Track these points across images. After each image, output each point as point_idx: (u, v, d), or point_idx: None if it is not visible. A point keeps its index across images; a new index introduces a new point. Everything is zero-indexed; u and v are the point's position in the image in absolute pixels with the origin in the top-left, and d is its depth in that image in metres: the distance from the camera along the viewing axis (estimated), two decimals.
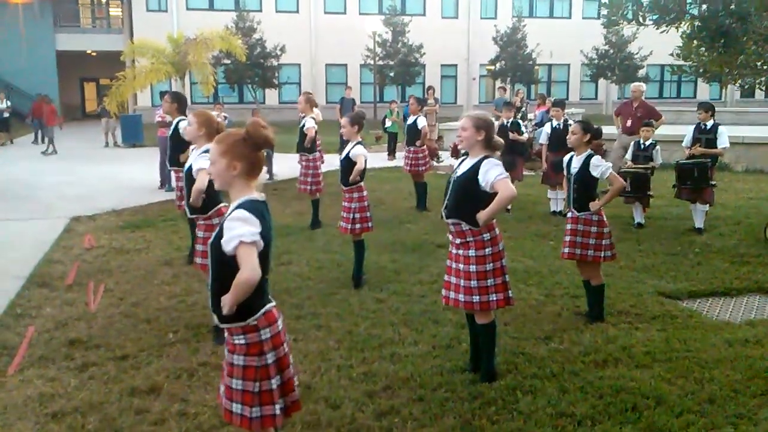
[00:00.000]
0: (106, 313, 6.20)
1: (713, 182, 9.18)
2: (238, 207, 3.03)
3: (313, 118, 10.06)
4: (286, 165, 14.51)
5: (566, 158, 6.14)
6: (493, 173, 4.43)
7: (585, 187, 5.87)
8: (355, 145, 6.87)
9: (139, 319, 6.05)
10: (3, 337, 5.63)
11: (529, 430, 4.06)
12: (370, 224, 6.95)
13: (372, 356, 5.13)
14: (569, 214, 6.01)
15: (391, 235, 8.90)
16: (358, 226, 6.86)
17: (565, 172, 6.14)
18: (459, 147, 4.68)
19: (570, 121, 10.92)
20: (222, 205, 5.35)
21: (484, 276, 4.52)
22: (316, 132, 10.04)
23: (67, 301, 6.55)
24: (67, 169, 16.78)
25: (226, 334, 3.18)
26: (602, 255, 5.81)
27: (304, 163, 10.06)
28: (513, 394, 4.51)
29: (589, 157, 5.85)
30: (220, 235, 3.02)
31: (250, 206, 3.03)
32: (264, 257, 3.05)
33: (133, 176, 15.30)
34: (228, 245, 2.95)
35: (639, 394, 4.46)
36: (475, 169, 4.50)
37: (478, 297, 4.52)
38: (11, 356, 5.22)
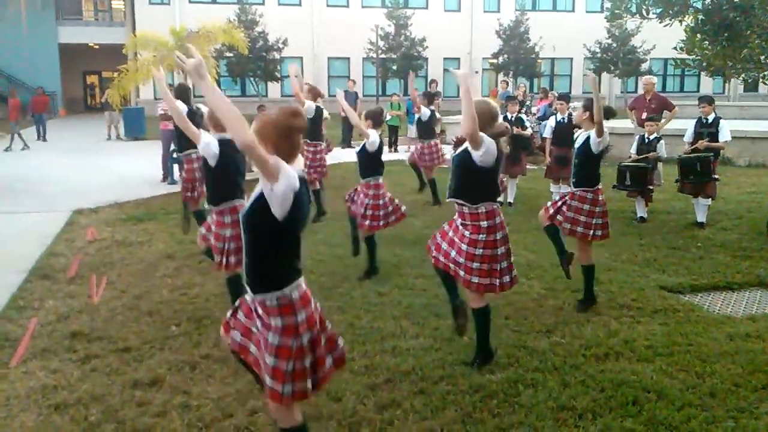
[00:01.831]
0: (109, 306, 6.22)
1: (716, 176, 9.16)
2: None
3: (321, 107, 10.08)
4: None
5: (577, 134, 6.22)
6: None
7: (584, 162, 5.97)
8: (370, 136, 6.93)
9: (142, 311, 6.07)
10: (6, 329, 5.65)
11: (530, 423, 4.07)
12: (379, 223, 6.98)
13: (373, 349, 5.14)
14: (570, 188, 6.14)
15: (393, 229, 8.87)
16: (368, 222, 6.88)
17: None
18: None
19: (574, 115, 10.91)
20: (238, 202, 5.33)
21: (472, 258, 4.58)
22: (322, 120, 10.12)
23: (69, 294, 6.57)
24: (70, 162, 16.80)
25: (260, 310, 3.18)
26: (591, 233, 5.90)
27: (311, 150, 10.07)
28: (514, 387, 4.51)
29: (589, 136, 5.93)
30: (257, 203, 3.05)
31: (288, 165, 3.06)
32: (294, 227, 3.12)
33: (136, 169, 15.30)
34: (263, 187, 2.98)
35: (640, 388, 4.47)
36: (467, 149, 4.56)
37: (462, 272, 4.61)
38: (14, 348, 5.24)
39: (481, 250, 4.57)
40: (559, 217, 6.05)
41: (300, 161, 3.25)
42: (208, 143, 5.29)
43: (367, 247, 7.05)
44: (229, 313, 3.47)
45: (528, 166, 11.85)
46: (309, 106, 10.12)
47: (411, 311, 5.95)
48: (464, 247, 4.61)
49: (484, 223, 4.59)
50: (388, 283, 6.78)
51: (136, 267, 7.49)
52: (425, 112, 11.48)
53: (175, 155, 12.10)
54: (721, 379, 4.61)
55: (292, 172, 3.03)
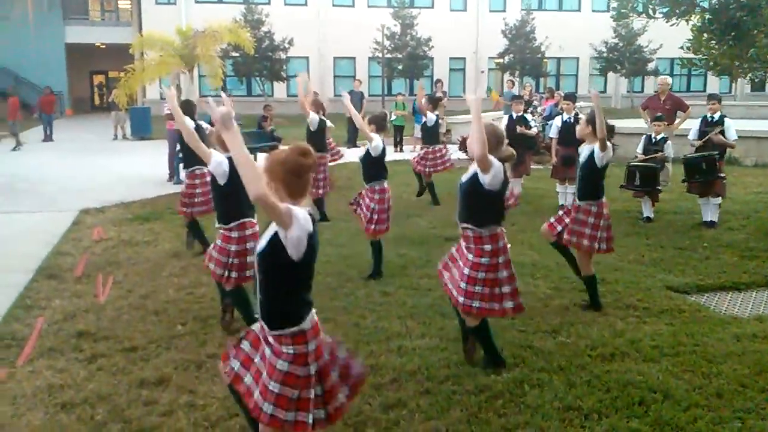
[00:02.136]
0: (115, 305, 6.24)
1: (722, 174, 9.10)
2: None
3: (324, 119, 10.11)
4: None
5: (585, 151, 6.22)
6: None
7: (588, 175, 5.99)
8: (373, 140, 6.92)
9: (148, 311, 6.08)
10: (13, 328, 5.67)
11: (536, 423, 4.06)
12: (386, 225, 7.01)
13: (379, 349, 5.14)
14: (574, 202, 6.16)
15: (399, 229, 8.89)
16: (373, 227, 6.89)
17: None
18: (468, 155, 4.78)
19: (580, 115, 10.89)
20: (247, 219, 5.33)
21: (474, 282, 4.60)
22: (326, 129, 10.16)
23: (76, 293, 6.59)
24: (76, 162, 16.85)
25: (271, 339, 3.18)
26: (596, 246, 5.94)
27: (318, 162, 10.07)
28: (520, 387, 4.51)
29: (593, 150, 5.93)
30: (271, 244, 3.06)
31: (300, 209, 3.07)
32: (308, 266, 3.21)
33: (142, 169, 15.34)
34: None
35: (646, 388, 4.46)
36: (475, 173, 4.60)
37: (462, 298, 4.62)
38: (21, 347, 5.26)
39: (483, 274, 4.60)
40: (566, 236, 6.06)
41: (308, 199, 3.22)
42: (219, 162, 5.26)
43: (373, 251, 7.05)
44: (233, 344, 3.45)
45: (533, 166, 11.84)
46: (313, 118, 10.15)
47: (416, 311, 5.95)
48: (467, 271, 4.63)
49: (487, 247, 4.62)
50: (393, 283, 6.78)
51: (143, 266, 7.51)
52: (431, 117, 11.48)
53: (181, 155, 12.12)
54: (727, 380, 4.59)
55: (303, 216, 3.04)
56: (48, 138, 21.93)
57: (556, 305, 6.14)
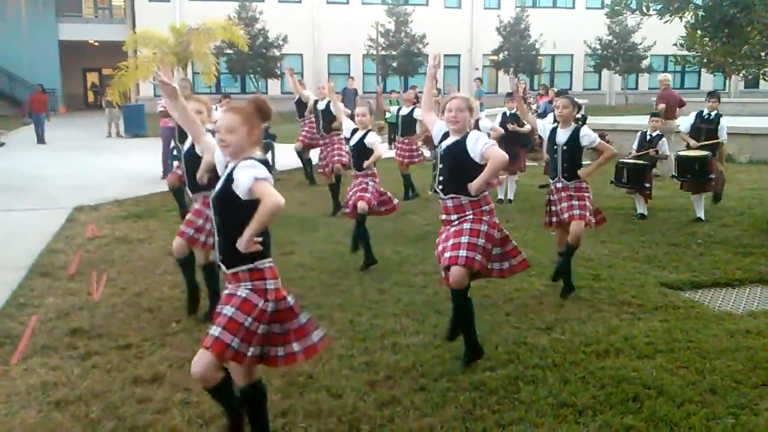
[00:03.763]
0: (109, 303, 6.22)
1: (712, 176, 9.13)
2: (251, 159, 3.35)
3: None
4: (287, 155, 14.49)
5: (548, 128, 6.29)
6: (481, 142, 4.51)
7: (574, 157, 6.16)
8: (367, 132, 7.04)
9: (142, 308, 6.07)
10: (6, 326, 5.65)
11: (530, 419, 4.07)
12: (374, 203, 7.15)
13: (374, 346, 5.14)
14: (557, 184, 6.23)
15: (393, 226, 8.90)
16: (366, 195, 7.05)
17: (547, 144, 6.41)
18: (452, 128, 4.68)
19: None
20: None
21: (477, 234, 4.55)
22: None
23: (69, 291, 6.57)
24: (70, 160, 16.80)
25: (229, 287, 3.41)
26: (593, 220, 6.21)
27: (335, 140, 10.26)
28: (514, 384, 4.51)
29: (577, 129, 6.14)
30: (226, 185, 3.35)
31: (257, 160, 3.36)
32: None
33: (136, 166, 15.31)
34: (243, 185, 3.24)
35: (640, 385, 4.47)
36: (462, 141, 4.57)
37: (465, 252, 4.50)
38: (15, 345, 5.24)
39: (485, 227, 4.58)
40: (564, 215, 6.16)
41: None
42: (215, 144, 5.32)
43: (357, 227, 7.11)
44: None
45: (528, 163, 11.85)
46: (321, 102, 10.36)
47: (411, 308, 5.95)
48: (467, 225, 4.57)
49: (486, 208, 4.65)
50: (388, 280, 6.78)
51: (137, 264, 7.49)
52: (405, 109, 11.59)
53: (175, 152, 12.10)
54: (721, 376, 4.61)
55: (269, 176, 3.33)
56: (40, 140, 20.96)
57: (550, 302, 6.14)
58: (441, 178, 4.69)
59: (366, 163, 7.01)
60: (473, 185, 4.48)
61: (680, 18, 9.41)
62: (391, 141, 18.75)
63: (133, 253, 7.97)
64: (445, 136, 4.76)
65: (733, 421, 4.03)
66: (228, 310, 3.31)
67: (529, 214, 9.75)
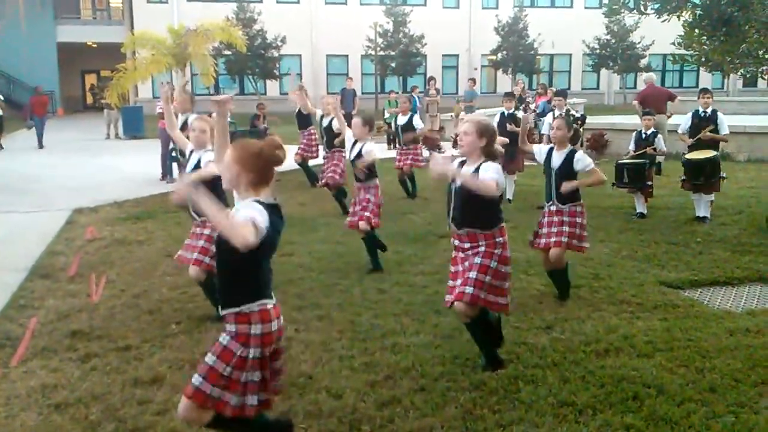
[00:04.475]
0: (109, 305, 6.22)
1: (722, 174, 9.10)
2: (254, 201, 3.20)
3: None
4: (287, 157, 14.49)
5: (543, 151, 6.20)
6: (488, 176, 4.38)
7: (569, 180, 6.00)
8: (365, 143, 6.94)
9: (142, 310, 6.07)
10: (6, 328, 5.65)
11: (530, 419, 4.07)
12: (378, 220, 7.12)
13: (373, 346, 5.14)
14: (551, 207, 6.11)
15: (394, 226, 8.90)
16: (368, 214, 6.99)
17: (543, 165, 6.30)
18: (459, 151, 4.67)
19: (572, 111, 10.92)
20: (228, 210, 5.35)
21: (486, 271, 4.47)
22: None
23: (69, 293, 6.57)
24: (69, 161, 16.79)
25: (226, 326, 3.31)
26: (586, 245, 6.14)
27: (336, 155, 10.23)
28: (514, 383, 4.51)
29: (571, 153, 6.00)
30: None
31: (263, 205, 3.18)
32: (269, 252, 3.28)
33: (135, 168, 15.30)
34: (239, 216, 3.08)
35: (640, 383, 4.47)
36: (475, 174, 4.43)
37: (471, 288, 4.44)
38: (15, 347, 5.24)
39: (495, 263, 4.49)
40: (552, 239, 6.01)
41: (269, 190, 3.32)
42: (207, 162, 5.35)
43: (367, 245, 7.08)
44: None
45: (526, 163, 11.85)
46: (319, 115, 10.37)
47: (411, 308, 5.95)
48: (477, 260, 4.49)
49: (500, 239, 4.56)
50: (388, 280, 6.78)
51: (136, 265, 7.49)
52: (402, 119, 11.60)
53: (174, 154, 12.10)
54: (721, 374, 4.61)
55: (265, 219, 3.11)
56: (39, 144, 20.07)
57: (550, 301, 6.15)
58: (453, 213, 4.61)
59: (357, 165, 6.92)
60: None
61: (678, 17, 9.40)
62: (390, 141, 18.79)
63: (133, 254, 7.97)
64: (462, 164, 4.62)
65: (732, 419, 4.03)
66: (209, 358, 3.22)
67: (528, 214, 9.74)
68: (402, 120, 11.64)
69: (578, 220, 6.03)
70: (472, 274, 4.47)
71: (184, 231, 8.66)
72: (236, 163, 3.22)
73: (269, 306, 3.28)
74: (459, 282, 4.56)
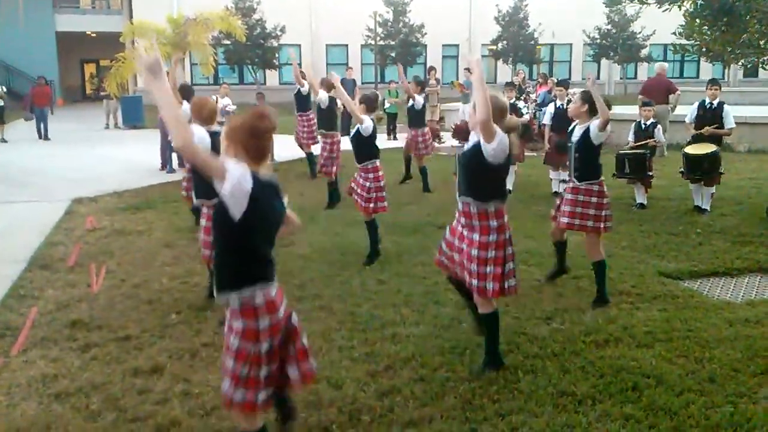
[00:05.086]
0: (108, 295, 6.23)
1: (721, 170, 9.07)
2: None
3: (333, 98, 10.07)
4: (286, 147, 14.46)
5: (571, 128, 6.13)
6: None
7: (586, 156, 5.86)
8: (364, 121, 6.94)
9: (141, 300, 6.07)
10: (6, 318, 5.66)
11: (529, 409, 4.08)
12: (384, 204, 7.07)
13: (373, 337, 5.15)
14: (570, 184, 5.99)
15: (393, 217, 8.88)
16: (372, 205, 6.94)
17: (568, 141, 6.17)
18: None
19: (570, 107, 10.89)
20: None
21: (484, 262, 4.42)
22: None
23: (69, 283, 6.57)
24: (68, 151, 16.76)
25: (227, 314, 3.19)
26: (602, 225, 5.79)
27: (328, 142, 10.11)
28: (514, 373, 4.52)
29: (588, 128, 5.82)
30: (218, 205, 3.08)
31: (254, 178, 3.07)
32: (263, 231, 3.13)
33: (134, 158, 15.28)
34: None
35: (640, 374, 4.48)
36: (478, 142, 4.39)
37: (475, 281, 4.44)
38: (15, 337, 5.25)
39: (493, 252, 4.42)
40: (563, 219, 5.89)
41: (268, 167, 3.23)
42: (201, 138, 5.25)
43: (369, 231, 7.08)
44: None
45: (527, 153, 11.84)
46: (322, 96, 10.11)
47: (411, 299, 5.96)
48: (474, 252, 4.44)
49: (493, 223, 4.44)
50: (387, 270, 6.78)
51: (136, 256, 7.49)
52: (419, 100, 11.47)
53: (173, 144, 12.10)
54: (720, 365, 4.62)
55: (239, 173, 2.99)
56: (44, 136, 19.73)
57: (549, 292, 6.15)
58: (458, 179, 4.61)
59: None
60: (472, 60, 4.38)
61: (679, 7, 9.37)
62: (389, 132, 18.75)
63: (132, 244, 7.97)
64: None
65: (731, 409, 4.04)
66: (228, 362, 3.12)
67: (528, 204, 9.75)
68: (417, 103, 11.46)
69: (593, 199, 5.78)
70: (474, 267, 4.43)
71: (184, 221, 8.71)
72: (225, 138, 3.17)
73: (273, 293, 3.16)
74: (456, 257, 4.59)
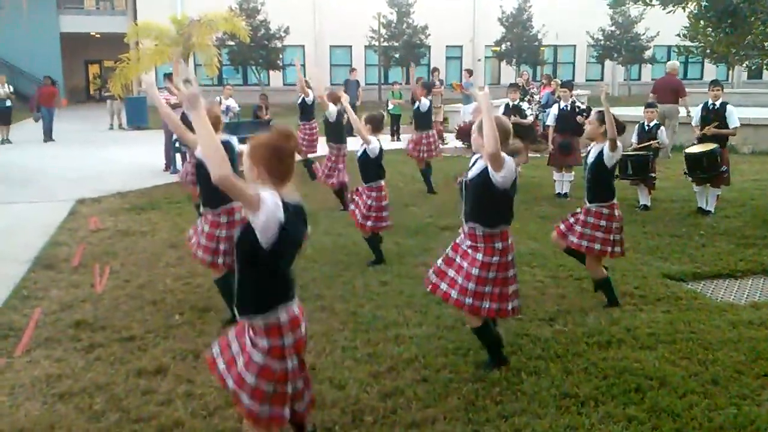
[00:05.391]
0: (112, 295, 6.24)
1: (723, 168, 9.03)
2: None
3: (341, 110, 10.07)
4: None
5: (588, 149, 6.08)
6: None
7: (598, 177, 5.81)
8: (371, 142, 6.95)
9: (145, 300, 6.08)
10: (10, 318, 5.68)
11: (532, 410, 4.08)
12: (385, 223, 7.10)
13: (376, 337, 5.15)
14: (584, 205, 5.93)
15: (395, 218, 8.88)
16: (369, 223, 6.96)
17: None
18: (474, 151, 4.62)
19: (577, 103, 10.88)
20: (234, 204, 5.32)
21: (484, 282, 4.41)
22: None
23: (73, 283, 6.59)
24: (72, 152, 16.80)
25: (250, 331, 3.16)
26: (609, 250, 5.75)
27: (334, 153, 10.11)
28: (517, 375, 4.52)
29: (602, 149, 5.77)
30: (245, 229, 3.04)
31: (283, 203, 3.04)
32: (289, 255, 3.14)
33: (138, 159, 15.30)
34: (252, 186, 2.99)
35: (643, 375, 4.48)
36: (485, 170, 4.37)
37: (471, 300, 4.41)
38: (19, 337, 5.27)
39: (494, 273, 4.41)
40: (572, 238, 5.86)
41: (293, 188, 3.18)
42: None
43: (370, 245, 7.12)
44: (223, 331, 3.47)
45: (531, 154, 11.84)
46: (331, 110, 10.13)
47: (413, 300, 5.96)
48: (475, 271, 4.41)
49: (498, 245, 4.43)
50: (390, 271, 6.79)
51: (140, 256, 7.50)
52: (425, 102, 11.47)
53: (177, 144, 12.11)
54: (723, 367, 4.61)
55: (273, 202, 2.97)
56: (48, 137, 19.58)
57: (552, 293, 6.15)
58: (464, 206, 4.57)
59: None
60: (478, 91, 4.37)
61: (683, 8, 9.37)
62: (393, 133, 18.75)
63: (136, 245, 7.98)
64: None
65: (735, 411, 4.04)
66: (250, 378, 3.07)
67: (531, 206, 9.75)
68: (423, 105, 11.46)
69: (602, 223, 5.72)
70: (471, 286, 4.41)
71: (187, 222, 8.70)
72: (248, 158, 3.09)
73: (296, 310, 3.18)
74: (452, 274, 4.56)
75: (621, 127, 5.87)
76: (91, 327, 5.47)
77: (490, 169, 4.32)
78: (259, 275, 3.08)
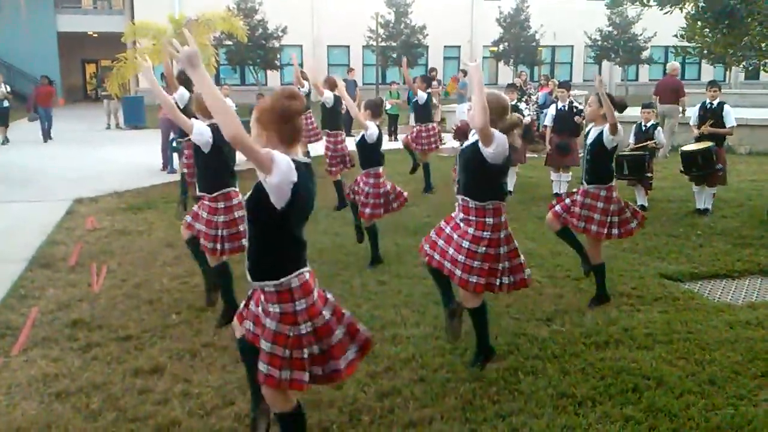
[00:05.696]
0: (109, 294, 6.23)
1: (719, 166, 9.05)
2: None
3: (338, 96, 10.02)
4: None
5: (587, 130, 6.08)
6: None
7: (597, 158, 5.80)
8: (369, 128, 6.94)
9: (142, 300, 6.08)
10: (7, 317, 5.66)
11: (529, 410, 4.08)
12: (380, 211, 7.02)
13: (374, 337, 5.14)
14: (581, 186, 5.93)
15: (393, 218, 8.87)
16: (368, 210, 6.91)
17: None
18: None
19: (575, 103, 10.89)
20: (231, 189, 5.33)
21: (473, 256, 4.40)
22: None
23: (70, 283, 6.58)
24: (69, 151, 16.77)
25: (261, 298, 3.20)
26: (605, 232, 5.73)
27: (331, 141, 10.08)
28: (514, 374, 4.53)
29: (602, 131, 5.75)
30: (257, 190, 3.06)
31: (294, 162, 3.05)
32: (301, 216, 3.19)
33: (135, 158, 15.28)
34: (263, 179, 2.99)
35: (640, 376, 4.48)
36: (476, 143, 4.38)
37: (459, 272, 4.42)
38: (15, 337, 5.26)
39: (484, 248, 4.40)
40: (574, 221, 5.85)
41: (300, 149, 3.21)
42: (201, 132, 5.24)
43: (369, 236, 7.07)
44: (242, 305, 3.48)
45: (528, 155, 11.84)
46: (327, 95, 10.08)
47: (411, 300, 5.96)
48: (465, 244, 4.42)
49: (489, 220, 4.43)
50: (388, 271, 6.79)
51: (136, 256, 7.50)
52: (422, 95, 11.44)
53: (174, 144, 12.10)
54: (720, 367, 4.62)
55: (286, 163, 2.99)
56: (47, 135, 19.49)
57: (549, 293, 6.15)
58: (458, 177, 4.60)
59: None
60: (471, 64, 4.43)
61: (680, 9, 9.40)
62: (390, 133, 18.76)
63: (133, 244, 7.97)
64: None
65: (732, 411, 4.04)
66: (265, 345, 3.12)
67: (528, 206, 9.76)
68: (420, 97, 11.43)
69: (599, 204, 5.72)
70: (461, 258, 4.42)
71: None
72: (256, 123, 3.13)
73: (307, 276, 3.21)
74: (441, 244, 4.57)
75: (621, 106, 5.86)
76: (88, 326, 5.47)
77: (479, 143, 4.33)
78: (271, 238, 3.11)
